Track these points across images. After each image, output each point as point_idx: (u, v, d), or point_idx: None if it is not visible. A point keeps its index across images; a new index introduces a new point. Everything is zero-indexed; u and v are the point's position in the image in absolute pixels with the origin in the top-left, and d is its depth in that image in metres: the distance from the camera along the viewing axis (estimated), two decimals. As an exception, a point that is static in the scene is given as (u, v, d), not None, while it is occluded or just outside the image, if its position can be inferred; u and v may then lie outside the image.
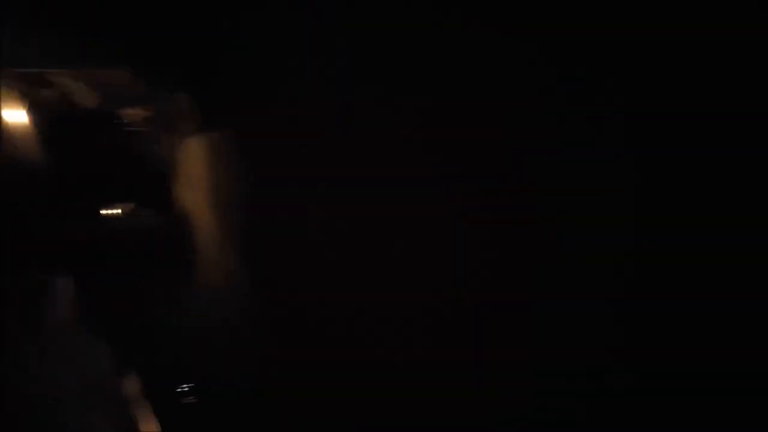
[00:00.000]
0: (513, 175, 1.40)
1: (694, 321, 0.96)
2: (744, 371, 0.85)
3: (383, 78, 1.94)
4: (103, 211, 7.93)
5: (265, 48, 3.47)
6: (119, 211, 7.92)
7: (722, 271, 0.91)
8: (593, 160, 1.21)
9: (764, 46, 0.80)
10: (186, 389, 3.72)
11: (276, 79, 3.53)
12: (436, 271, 1.63)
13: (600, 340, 1.21)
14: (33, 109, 5.51)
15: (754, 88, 0.78)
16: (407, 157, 1.74)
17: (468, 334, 1.61)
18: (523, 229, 1.41)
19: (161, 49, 5.25)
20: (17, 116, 5.28)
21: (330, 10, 2.15)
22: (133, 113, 6.23)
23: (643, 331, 1.09)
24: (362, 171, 2.10)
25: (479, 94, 1.51)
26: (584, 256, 1.25)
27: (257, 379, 3.30)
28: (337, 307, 2.51)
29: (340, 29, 2.15)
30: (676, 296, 1.03)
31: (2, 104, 5.02)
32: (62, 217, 6.01)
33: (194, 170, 5.98)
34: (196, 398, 3.64)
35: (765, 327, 0.80)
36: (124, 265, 6.54)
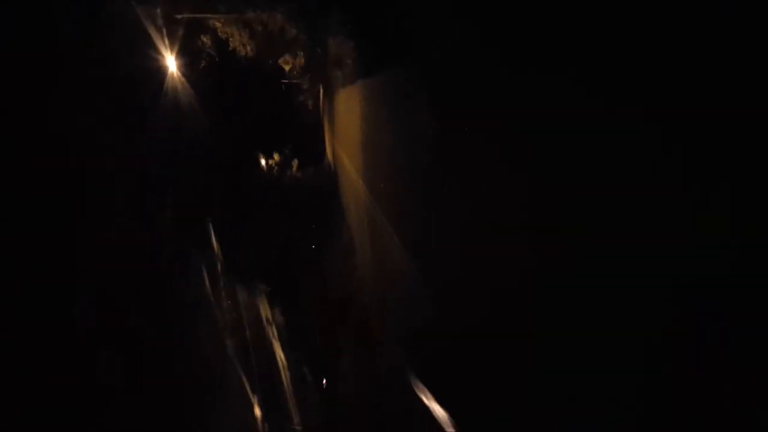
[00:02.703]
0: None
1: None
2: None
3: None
4: (255, 161, 7.90)
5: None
6: (272, 160, 7.86)
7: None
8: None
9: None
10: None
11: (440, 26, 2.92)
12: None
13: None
14: (190, 55, 5.41)
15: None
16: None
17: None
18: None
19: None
20: (172, 62, 5.21)
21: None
22: (287, 61, 5.94)
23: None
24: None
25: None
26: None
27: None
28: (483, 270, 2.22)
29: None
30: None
31: (162, 49, 4.95)
32: (215, 165, 6.00)
33: (346, 122, 5.57)
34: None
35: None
36: (273, 216, 6.50)
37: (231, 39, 5.46)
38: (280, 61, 5.90)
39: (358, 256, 5.19)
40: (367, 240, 4.70)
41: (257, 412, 3.34)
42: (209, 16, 5.05)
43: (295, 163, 8.04)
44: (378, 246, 4.45)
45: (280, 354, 3.79)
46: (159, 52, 4.99)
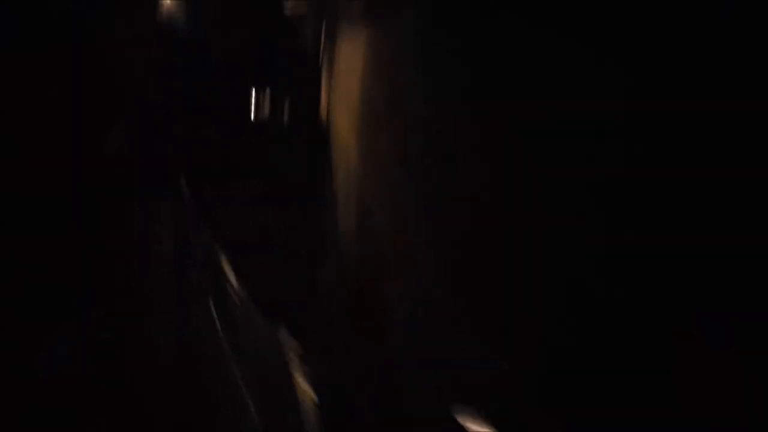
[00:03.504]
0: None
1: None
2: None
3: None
4: (248, 110, 7.36)
5: None
6: (264, 109, 7.38)
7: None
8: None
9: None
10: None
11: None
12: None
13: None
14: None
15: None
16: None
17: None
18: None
19: None
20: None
21: None
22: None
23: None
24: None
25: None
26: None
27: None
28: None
29: None
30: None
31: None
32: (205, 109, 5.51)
33: (350, 70, 4.98)
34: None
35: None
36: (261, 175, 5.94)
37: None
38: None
39: (341, 236, 4.64)
40: (353, 218, 4.16)
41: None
42: None
43: (285, 107, 7.03)
44: (368, 229, 3.94)
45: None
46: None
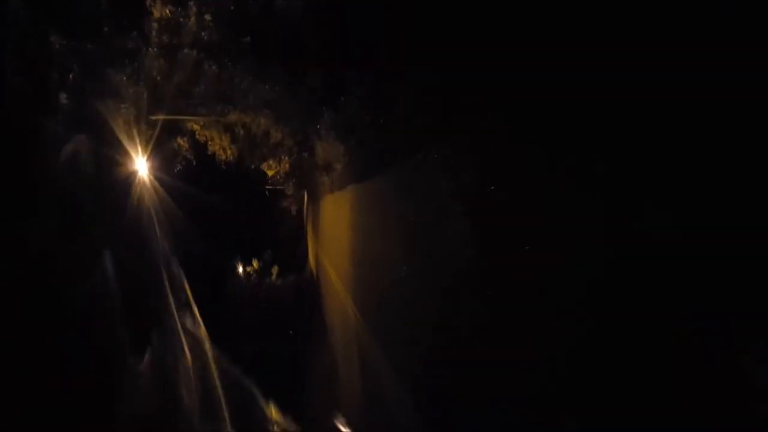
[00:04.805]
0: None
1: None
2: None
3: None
4: (235, 268, 7.39)
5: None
6: (251, 267, 7.33)
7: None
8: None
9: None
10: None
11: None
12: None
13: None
14: (165, 158, 5.15)
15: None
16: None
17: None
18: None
19: (308, 95, 4.68)
20: (143, 166, 4.94)
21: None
22: (270, 165, 5.68)
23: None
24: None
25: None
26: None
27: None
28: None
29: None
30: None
31: (135, 152, 4.70)
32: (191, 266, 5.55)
33: (332, 230, 5.16)
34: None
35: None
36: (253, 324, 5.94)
37: (211, 142, 5.21)
38: (263, 165, 5.63)
39: (341, 382, 4.56)
40: (355, 360, 4.09)
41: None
42: (188, 118, 4.85)
43: (275, 270, 7.57)
44: (367, 367, 3.91)
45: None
46: (129, 155, 4.72)
